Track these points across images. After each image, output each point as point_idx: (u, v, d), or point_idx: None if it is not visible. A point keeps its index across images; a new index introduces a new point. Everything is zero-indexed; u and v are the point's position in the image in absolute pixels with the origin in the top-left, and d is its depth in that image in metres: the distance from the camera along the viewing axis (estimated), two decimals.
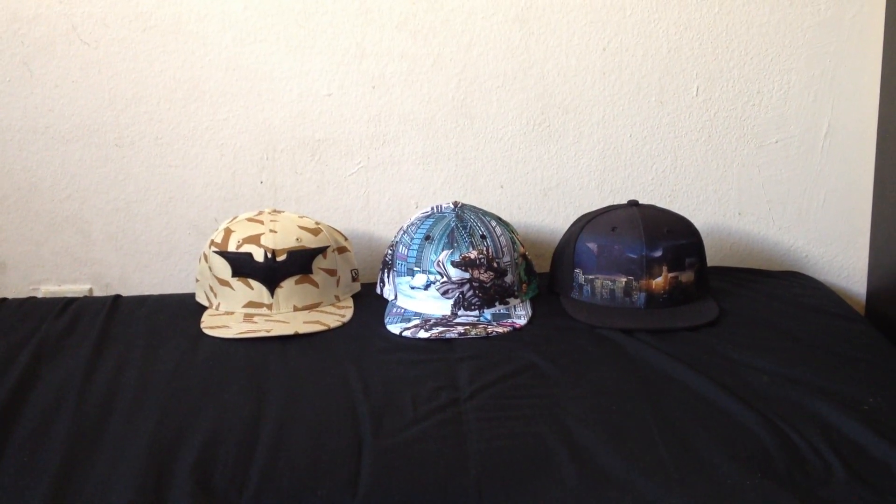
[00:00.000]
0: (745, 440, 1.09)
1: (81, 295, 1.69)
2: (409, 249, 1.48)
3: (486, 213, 1.53)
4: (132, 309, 1.52)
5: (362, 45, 1.63)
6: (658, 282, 1.45)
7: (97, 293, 1.74)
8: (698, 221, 1.70)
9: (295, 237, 1.49)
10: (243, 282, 1.47)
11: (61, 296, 1.65)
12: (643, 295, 1.45)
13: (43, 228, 1.70)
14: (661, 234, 1.46)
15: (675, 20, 1.64)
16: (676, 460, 1.05)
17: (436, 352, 1.34)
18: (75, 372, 1.29)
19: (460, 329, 1.40)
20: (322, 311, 1.48)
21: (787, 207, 1.73)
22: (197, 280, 1.56)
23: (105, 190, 1.69)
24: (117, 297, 1.59)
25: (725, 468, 1.04)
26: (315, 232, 1.52)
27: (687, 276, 1.47)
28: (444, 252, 1.45)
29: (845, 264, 1.76)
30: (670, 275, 1.46)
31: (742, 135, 1.69)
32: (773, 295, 1.54)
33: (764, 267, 1.74)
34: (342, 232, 1.61)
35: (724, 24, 1.64)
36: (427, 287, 1.46)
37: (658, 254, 1.45)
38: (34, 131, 1.65)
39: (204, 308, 1.51)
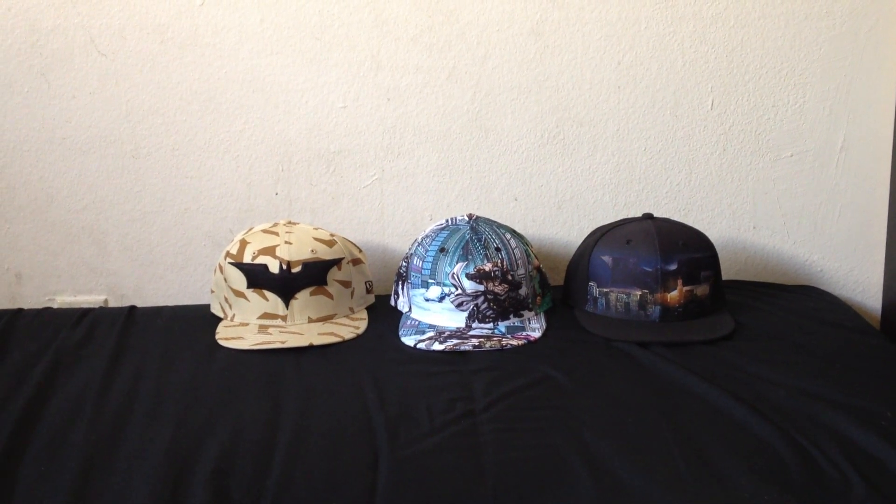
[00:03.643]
0: (762, 454, 1.08)
1: (97, 306, 1.70)
2: (423, 261, 1.49)
3: (500, 226, 1.53)
4: (147, 320, 1.53)
5: (378, 57, 1.64)
6: (673, 295, 1.45)
7: (112, 304, 1.74)
8: (713, 235, 1.70)
9: (310, 249, 1.49)
10: (258, 293, 1.47)
11: (77, 306, 1.66)
12: (658, 308, 1.45)
13: (59, 239, 1.71)
14: (676, 247, 1.46)
15: (689, 34, 1.64)
16: (694, 473, 1.05)
17: (450, 364, 1.34)
18: (91, 382, 1.29)
19: (475, 341, 1.40)
20: (336, 323, 1.48)
21: (803, 221, 1.73)
22: (212, 291, 1.56)
23: (121, 201, 1.70)
24: (132, 308, 1.59)
25: (743, 482, 1.03)
26: (330, 244, 1.52)
27: (702, 290, 1.47)
28: (459, 264, 1.45)
29: (860, 278, 1.75)
30: (685, 288, 1.45)
31: (757, 148, 1.69)
32: (789, 309, 1.54)
33: (779, 281, 1.74)
34: (357, 244, 1.61)
35: (740, 37, 1.64)
36: (442, 299, 1.46)
37: (673, 267, 1.45)
38: (51, 142, 1.66)
39: (219, 319, 1.52)
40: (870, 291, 1.75)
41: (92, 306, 1.66)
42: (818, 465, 1.06)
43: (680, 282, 1.45)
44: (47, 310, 1.60)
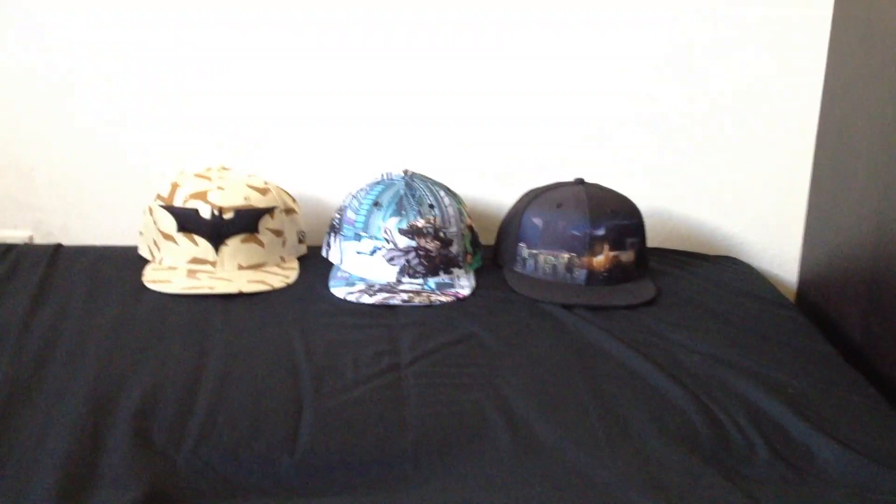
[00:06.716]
0: (673, 416, 1.12)
1: (21, 242, 1.66)
2: (357, 214, 1.49)
3: (435, 183, 1.54)
4: (73, 259, 1.51)
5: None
6: (599, 260, 1.48)
7: (38, 241, 1.71)
8: (641, 203, 1.73)
9: (243, 196, 1.48)
10: (188, 237, 1.46)
11: (0, 242, 1.62)
12: (584, 272, 1.48)
13: None
14: (604, 213, 1.49)
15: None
16: (607, 432, 1.08)
17: (379, 317, 1.36)
18: (13, 319, 1.28)
19: (404, 296, 1.41)
20: (267, 272, 1.48)
21: (726, 194, 1.77)
22: (141, 233, 1.55)
23: (51, 135, 1.66)
24: (59, 245, 1.57)
25: (654, 442, 1.07)
26: (263, 192, 1.51)
27: (627, 256, 1.50)
28: (392, 219, 1.46)
29: (779, 252, 1.80)
30: (611, 253, 1.49)
31: (685, 122, 1.72)
32: (709, 278, 1.58)
33: (701, 251, 1.78)
34: (291, 193, 1.61)
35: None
36: (373, 253, 1.47)
37: (601, 232, 1.48)
38: None
39: (147, 262, 1.50)
40: (787, 265, 1.81)
41: (16, 242, 1.62)
42: (726, 429, 1.10)
43: (606, 247, 1.48)
44: None
